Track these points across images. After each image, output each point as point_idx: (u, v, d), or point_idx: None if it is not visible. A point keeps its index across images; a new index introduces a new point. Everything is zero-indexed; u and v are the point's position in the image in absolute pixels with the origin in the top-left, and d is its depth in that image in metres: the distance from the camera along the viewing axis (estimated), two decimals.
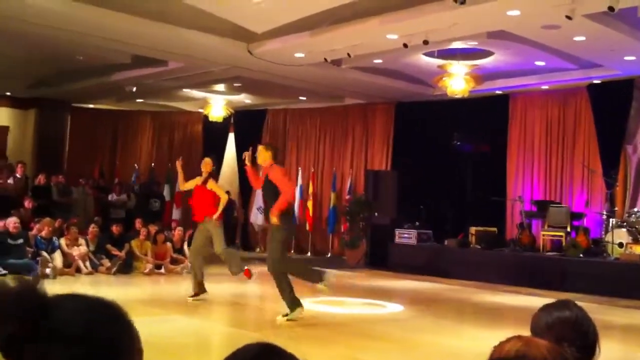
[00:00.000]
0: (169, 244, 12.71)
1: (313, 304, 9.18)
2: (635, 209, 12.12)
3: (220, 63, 12.98)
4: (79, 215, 14.20)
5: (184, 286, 9.29)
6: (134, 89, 15.60)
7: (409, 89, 14.68)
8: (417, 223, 14.38)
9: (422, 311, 9.23)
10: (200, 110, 18.04)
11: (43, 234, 11.40)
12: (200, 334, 7.23)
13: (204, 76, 14.35)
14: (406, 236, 14.15)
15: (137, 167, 18.96)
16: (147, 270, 12.11)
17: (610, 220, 12.01)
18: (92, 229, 12.38)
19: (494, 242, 13.28)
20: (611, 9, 8.12)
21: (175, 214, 17.69)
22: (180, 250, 12.80)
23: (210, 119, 17.31)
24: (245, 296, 9.83)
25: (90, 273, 11.59)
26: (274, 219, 7.51)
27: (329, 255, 16.98)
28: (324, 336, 7.08)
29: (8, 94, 17.66)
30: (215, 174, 9.85)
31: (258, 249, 17.84)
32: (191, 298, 8.98)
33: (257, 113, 18.62)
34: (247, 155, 7.90)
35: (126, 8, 10.17)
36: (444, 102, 14.11)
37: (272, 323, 7.48)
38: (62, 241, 11.69)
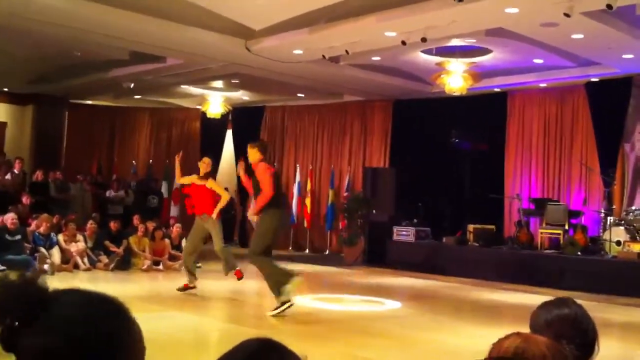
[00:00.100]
0: (167, 241, 12.71)
1: (312, 301, 9.19)
2: (633, 207, 12.14)
3: (218, 60, 12.97)
4: (77, 212, 14.19)
5: (182, 282, 9.29)
6: (132, 85, 15.58)
7: (407, 87, 14.67)
8: (415, 220, 14.39)
9: (420, 308, 9.24)
10: (198, 106, 18.02)
11: (41, 230, 11.39)
12: (198, 330, 7.23)
13: (202, 73, 14.34)
14: (404, 233, 14.16)
15: (134, 163, 18.95)
16: (145, 267, 12.11)
17: (608, 218, 12.02)
18: (90, 225, 12.37)
19: (492, 240, 13.28)
20: (609, 6, 8.12)
21: (173, 210, 17.68)
22: (178, 247, 12.78)
23: (208, 116, 17.30)
24: (243, 293, 9.83)
25: (88, 269, 11.59)
26: (254, 217, 7.83)
27: (326, 252, 16.98)
28: (322, 333, 7.08)
29: (6, 89, 17.64)
30: (213, 174, 9.87)
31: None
32: (187, 290, 9.08)
33: (255, 110, 18.61)
34: (240, 165, 8.05)
35: (125, 4, 10.15)
36: (442, 100, 14.10)
37: (270, 319, 7.48)
38: (60, 237, 11.68)
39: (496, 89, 14.33)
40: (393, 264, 13.73)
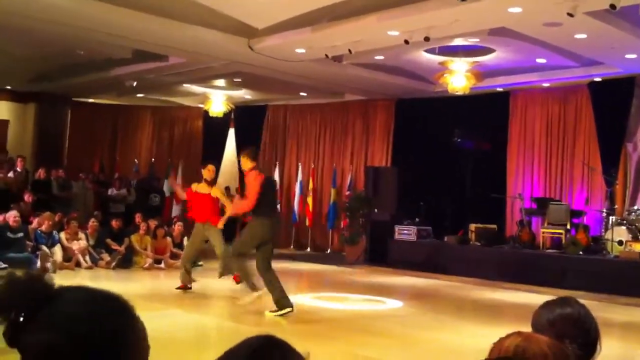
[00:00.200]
0: (168, 239, 12.73)
1: (313, 299, 9.20)
2: (635, 207, 12.12)
3: (220, 58, 12.97)
4: (79, 210, 14.20)
5: (179, 283, 9.33)
6: (135, 83, 15.59)
7: (409, 86, 14.66)
8: (417, 219, 14.38)
9: (422, 307, 9.24)
10: (201, 105, 18.02)
11: (43, 228, 11.40)
12: (199, 329, 7.24)
13: (205, 71, 14.34)
14: (406, 232, 14.15)
15: (137, 162, 18.96)
16: (146, 265, 12.12)
17: (610, 218, 12.00)
18: (92, 223, 12.39)
19: (494, 239, 13.28)
20: (613, 6, 8.11)
21: (175, 209, 17.68)
22: (180, 245, 12.80)
23: (211, 115, 17.29)
24: (244, 291, 9.82)
25: (90, 267, 11.61)
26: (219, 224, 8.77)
27: (328, 251, 16.99)
28: (323, 332, 7.09)
29: (8, 87, 17.65)
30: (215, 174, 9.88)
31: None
32: (185, 290, 9.14)
33: (257, 109, 18.61)
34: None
35: (128, 3, 10.16)
36: (445, 99, 14.09)
37: (272, 318, 7.48)
38: (62, 235, 11.70)
39: (499, 89, 14.31)
40: (394, 263, 13.72)
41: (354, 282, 11.59)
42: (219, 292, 9.65)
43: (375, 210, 14.89)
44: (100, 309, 1.18)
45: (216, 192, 9.29)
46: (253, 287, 7.89)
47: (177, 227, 13.11)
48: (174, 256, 12.56)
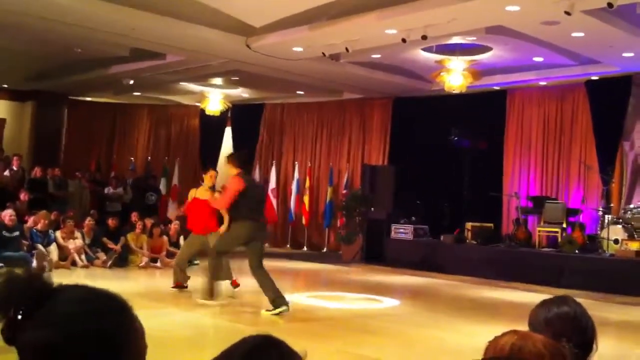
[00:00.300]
0: (165, 238, 12.70)
1: (310, 298, 9.20)
2: (631, 206, 12.14)
3: (218, 57, 12.96)
4: (75, 209, 14.18)
5: (174, 281, 9.33)
6: (131, 82, 15.56)
7: (407, 84, 14.66)
8: (413, 218, 14.39)
9: (419, 306, 9.25)
10: (198, 104, 17.99)
11: (39, 227, 11.38)
12: (196, 328, 7.23)
13: (202, 70, 14.33)
14: (402, 231, 14.16)
15: (133, 160, 18.94)
16: (142, 264, 12.11)
17: (606, 216, 12.03)
18: (88, 222, 12.37)
19: (490, 238, 13.29)
20: (610, 5, 8.12)
21: (172, 207, 17.67)
22: (176, 244, 12.78)
23: (208, 113, 17.25)
24: (240, 290, 9.81)
25: (86, 266, 11.59)
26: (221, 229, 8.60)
27: (324, 250, 16.98)
28: (320, 331, 7.09)
29: (5, 86, 17.62)
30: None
31: (267, 244, 17.84)
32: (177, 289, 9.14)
33: (254, 107, 18.59)
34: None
35: (125, 1, 10.14)
36: (442, 98, 14.09)
37: (268, 317, 7.48)
38: (58, 234, 11.67)
39: (496, 87, 14.32)
40: (391, 262, 13.72)
41: (351, 281, 11.59)
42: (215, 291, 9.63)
43: (372, 208, 14.89)
44: (98, 308, 1.17)
45: (203, 193, 9.13)
46: (210, 293, 8.08)
47: (174, 225, 13.10)
48: (170, 255, 12.52)
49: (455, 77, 11.94)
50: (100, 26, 11.00)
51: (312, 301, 9.00)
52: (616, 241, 11.41)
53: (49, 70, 15.85)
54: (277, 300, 7.55)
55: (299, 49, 11.84)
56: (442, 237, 13.81)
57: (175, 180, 18.21)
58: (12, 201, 12.52)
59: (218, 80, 16.08)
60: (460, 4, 8.99)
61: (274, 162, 18.00)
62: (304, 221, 17.29)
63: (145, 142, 20.02)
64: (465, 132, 14.36)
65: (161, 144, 19.87)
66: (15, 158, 14.87)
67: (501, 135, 14.69)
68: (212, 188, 9.24)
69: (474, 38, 11.25)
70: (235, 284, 9.09)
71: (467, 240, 13.52)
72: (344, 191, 16.55)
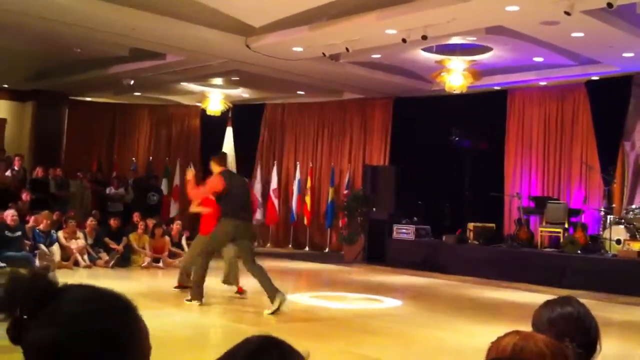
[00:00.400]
0: (167, 238, 12.71)
1: (311, 298, 9.20)
2: (633, 206, 12.13)
3: (218, 57, 12.96)
4: (76, 209, 14.19)
5: (177, 281, 9.34)
6: (132, 82, 15.56)
7: (407, 84, 14.66)
8: (415, 218, 14.38)
9: (420, 306, 9.24)
10: (198, 104, 18.01)
11: (41, 227, 11.39)
12: (198, 328, 7.23)
13: (202, 70, 14.33)
14: (404, 231, 14.15)
15: (134, 160, 18.95)
16: (145, 264, 12.11)
17: (608, 216, 12.02)
18: (90, 222, 12.38)
19: (492, 238, 13.29)
20: (610, 5, 8.12)
21: (173, 207, 17.68)
22: (178, 244, 12.80)
23: (208, 113, 17.27)
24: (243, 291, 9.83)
25: (88, 266, 11.60)
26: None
27: (326, 250, 16.98)
28: (322, 331, 7.09)
29: (6, 86, 17.62)
30: None
31: (256, 243, 17.87)
32: (178, 289, 9.14)
33: (255, 107, 18.60)
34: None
35: (125, 1, 10.15)
36: (442, 98, 14.09)
37: (270, 318, 7.48)
38: (60, 234, 11.69)
39: (496, 87, 14.32)
40: (393, 262, 13.72)
41: (352, 281, 11.59)
42: (217, 291, 9.63)
43: (374, 209, 14.89)
44: (103, 308, 1.18)
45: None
46: (197, 295, 8.12)
47: (176, 226, 13.11)
48: (172, 255, 12.56)
49: (455, 77, 11.94)
50: (100, 26, 11.00)
51: (314, 301, 9.00)
52: (618, 241, 11.41)
53: (49, 70, 15.86)
54: (272, 295, 7.65)
55: (299, 49, 11.84)
56: (444, 238, 13.80)
57: (176, 181, 18.19)
58: (14, 201, 12.54)
59: (218, 81, 16.09)
60: (460, 4, 9.00)
61: (275, 162, 18.00)
62: (305, 221, 17.29)
63: (146, 142, 20.02)
64: (466, 132, 14.36)
65: (162, 144, 19.87)
66: (17, 158, 14.88)
67: (502, 135, 14.68)
68: None
69: (474, 38, 11.25)
70: (240, 291, 9.06)
71: (469, 241, 13.51)
72: (346, 191, 16.55)
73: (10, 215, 10.88)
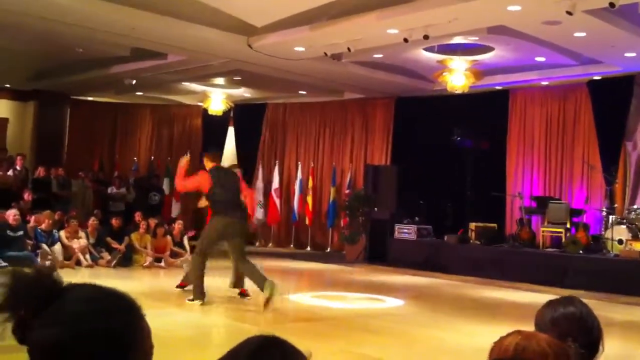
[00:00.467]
0: (168, 237, 12.71)
1: (313, 298, 9.20)
2: (635, 206, 12.12)
3: (219, 56, 12.96)
4: (78, 208, 14.20)
5: (180, 280, 9.34)
6: (133, 82, 15.57)
7: (409, 84, 14.66)
8: (416, 218, 14.38)
9: (422, 306, 9.24)
10: (200, 103, 18.02)
11: (43, 226, 11.41)
12: (200, 327, 7.24)
13: (204, 69, 14.34)
14: (406, 231, 14.15)
15: (136, 160, 18.96)
16: (146, 264, 12.12)
17: (610, 217, 12.00)
18: (92, 222, 12.39)
19: (494, 238, 13.28)
20: (612, 5, 8.11)
21: (175, 207, 17.68)
22: (180, 244, 12.80)
23: (210, 113, 17.29)
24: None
25: (90, 266, 11.60)
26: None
27: (328, 250, 16.99)
28: (323, 331, 7.09)
29: (7, 86, 17.64)
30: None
31: (257, 243, 17.90)
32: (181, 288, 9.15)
33: (256, 107, 18.60)
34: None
35: (127, 1, 10.15)
36: (444, 98, 14.09)
37: (271, 317, 7.48)
38: (62, 234, 11.70)
39: (498, 87, 14.32)
40: (394, 262, 13.71)
41: (354, 281, 11.59)
42: (219, 290, 9.63)
43: (375, 208, 14.89)
44: (107, 307, 1.18)
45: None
46: (198, 295, 8.13)
47: (177, 225, 13.11)
48: (174, 255, 12.56)
49: (457, 77, 11.94)
50: (100, 26, 11.01)
51: (316, 301, 9.00)
52: (620, 241, 11.40)
53: (50, 70, 15.87)
54: (262, 285, 7.73)
55: (301, 49, 11.84)
56: (445, 237, 13.79)
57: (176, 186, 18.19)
58: (16, 201, 12.55)
59: (220, 80, 16.09)
60: (462, 4, 8.99)
61: (276, 162, 18.01)
62: (307, 221, 17.29)
63: (147, 142, 20.04)
64: (468, 132, 14.34)
65: (164, 143, 19.88)
66: (18, 158, 14.89)
67: (504, 135, 14.67)
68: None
69: (476, 38, 11.24)
70: (243, 292, 9.03)
71: (471, 241, 13.50)
72: (347, 191, 16.55)
73: (12, 214, 10.90)
